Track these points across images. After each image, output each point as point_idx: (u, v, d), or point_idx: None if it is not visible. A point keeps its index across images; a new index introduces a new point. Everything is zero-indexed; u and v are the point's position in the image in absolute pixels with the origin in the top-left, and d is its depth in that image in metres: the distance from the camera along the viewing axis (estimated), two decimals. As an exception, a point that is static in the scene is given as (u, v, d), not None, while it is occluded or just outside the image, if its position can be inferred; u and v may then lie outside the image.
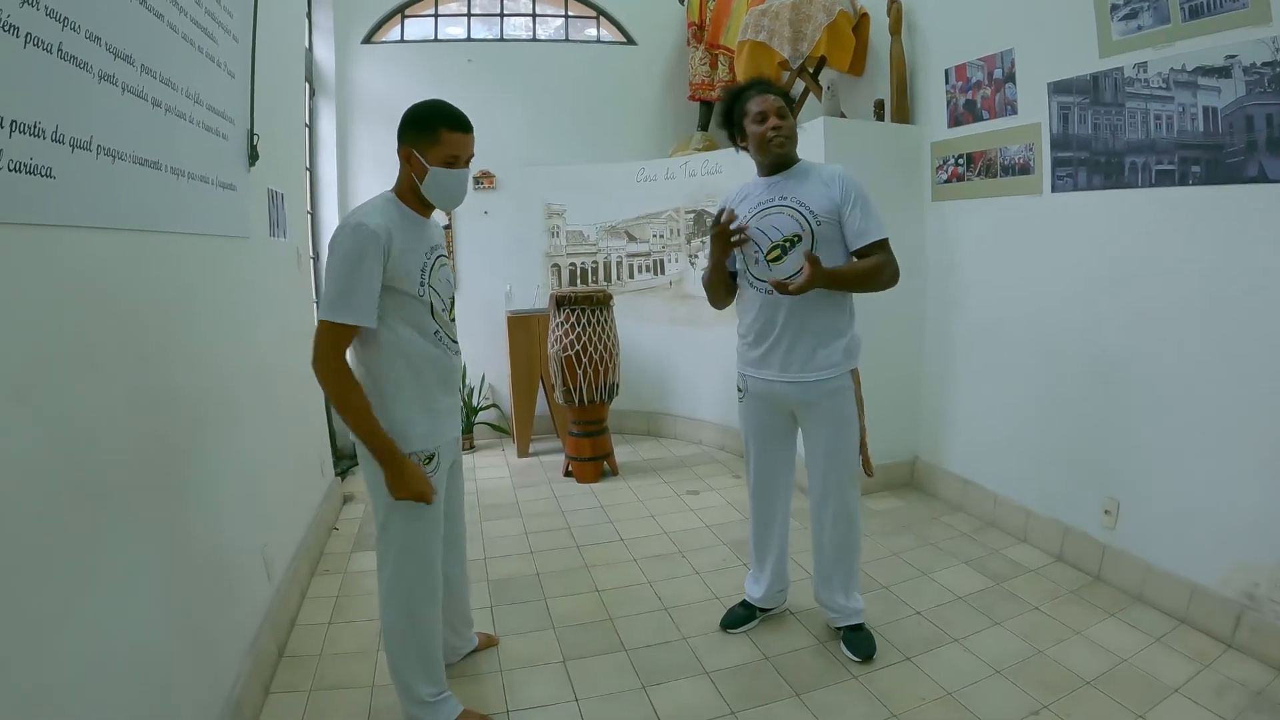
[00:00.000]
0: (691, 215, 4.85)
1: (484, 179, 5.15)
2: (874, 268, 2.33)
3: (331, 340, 1.85)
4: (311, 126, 4.59)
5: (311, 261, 4.05)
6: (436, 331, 2.04)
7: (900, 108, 3.74)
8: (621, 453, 4.96)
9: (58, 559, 1.36)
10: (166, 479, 1.89)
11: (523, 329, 4.85)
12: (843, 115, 4.03)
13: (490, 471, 4.78)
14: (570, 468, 4.60)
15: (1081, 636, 2.56)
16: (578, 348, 4.34)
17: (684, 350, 4.99)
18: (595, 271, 5.24)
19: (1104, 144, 2.67)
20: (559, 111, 5.25)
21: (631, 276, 5.19)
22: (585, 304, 4.37)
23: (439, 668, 2.20)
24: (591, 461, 4.52)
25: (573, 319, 4.37)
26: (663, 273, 5.09)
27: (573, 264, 5.24)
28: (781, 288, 2.23)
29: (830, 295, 2.37)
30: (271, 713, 2.33)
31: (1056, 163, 2.88)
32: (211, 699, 2.04)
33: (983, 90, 3.23)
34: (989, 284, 3.42)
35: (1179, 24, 2.37)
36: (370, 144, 4.87)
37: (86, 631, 1.44)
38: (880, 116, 3.83)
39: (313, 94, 4.54)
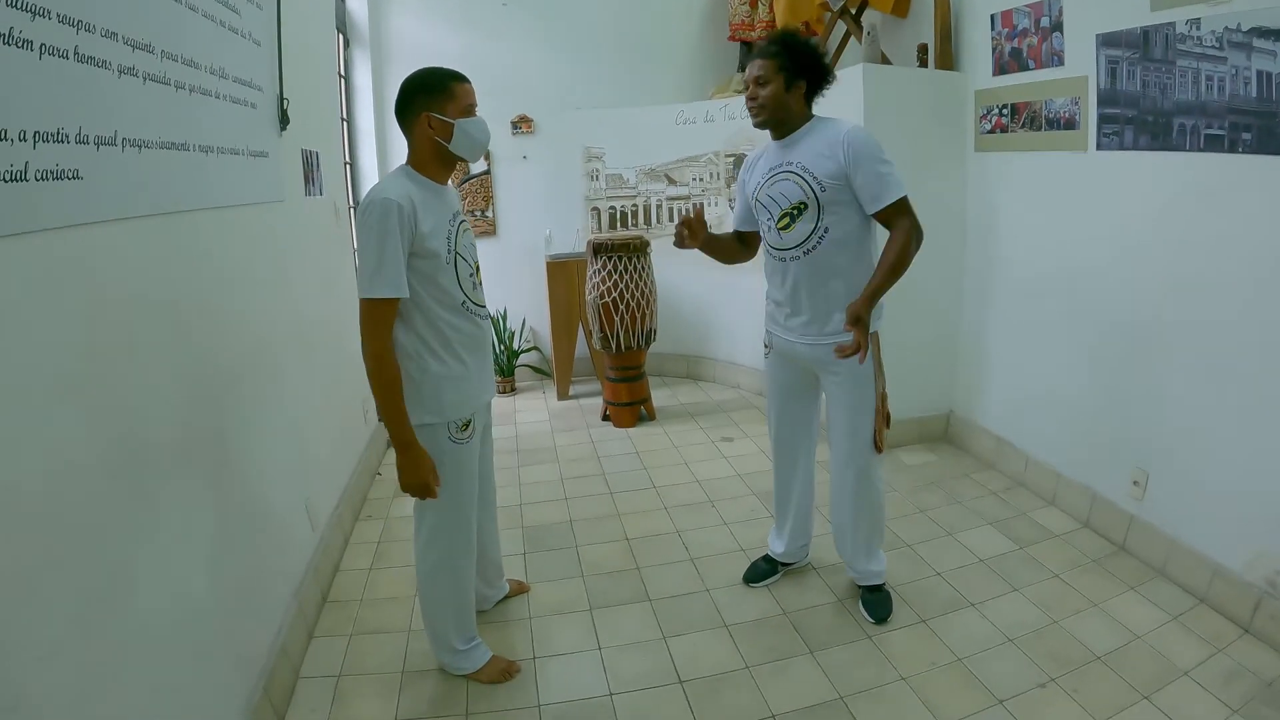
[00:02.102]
0: (731, 159, 4.79)
1: (522, 123, 5.13)
2: (898, 254, 2.22)
3: (376, 317, 1.92)
4: (347, 77, 4.60)
5: (350, 212, 4.12)
6: (464, 302, 2.10)
7: (944, 54, 3.60)
8: (660, 396, 5.03)
9: (112, 532, 1.47)
10: (211, 446, 2.01)
11: (562, 274, 4.89)
12: (885, 59, 3.90)
13: (530, 415, 4.90)
14: (608, 412, 4.68)
15: (1099, 609, 2.56)
16: (615, 294, 4.38)
17: (723, 295, 4.97)
18: (635, 215, 5.23)
19: (1152, 103, 2.54)
20: (596, 53, 5.17)
21: (671, 220, 5.16)
22: (622, 251, 4.38)
23: (471, 619, 2.35)
24: (628, 406, 4.60)
25: (610, 266, 4.39)
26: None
27: (612, 208, 5.23)
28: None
29: (842, 261, 2.36)
30: (314, 656, 2.50)
31: (1103, 119, 2.76)
32: (259, 645, 2.20)
33: (1029, 39, 3.08)
34: (1029, 240, 3.33)
35: (1237, -21, 2.22)
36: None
37: (145, 592, 1.57)
38: (923, 62, 3.69)
39: (347, 44, 4.54)
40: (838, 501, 2.62)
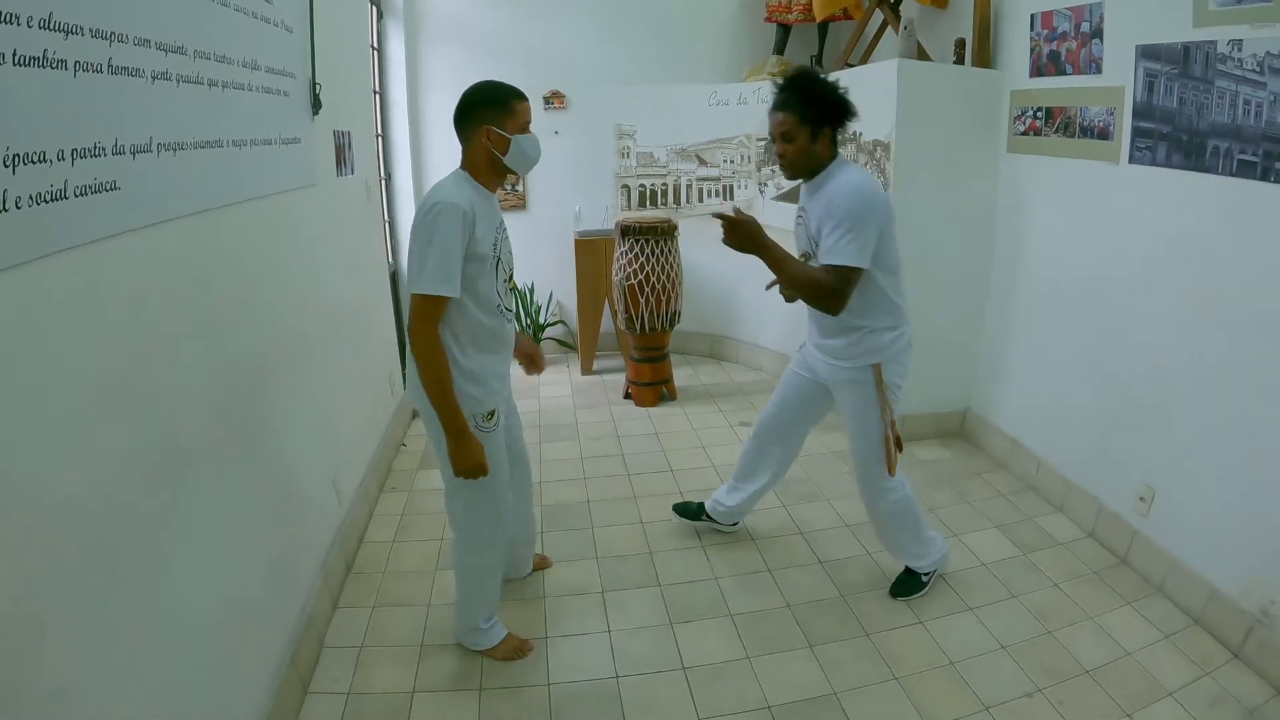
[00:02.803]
0: (763, 143, 4.76)
1: (554, 99, 5.13)
2: (808, 280, 2.27)
3: (428, 312, 2.01)
4: (380, 49, 4.63)
5: (382, 185, 4.18)
6: (499, 305, 2.20)
7: (982, 50, 3.54)
8: (682, 375, 5.07)
9: (151, 522, 1.57)
10: (243, 436, 2.10)
11: (590, 252, 4.92)
12: (923, 51, 3.85)
13: (553, 389, 4.97)
14: (630, 390, 4.75)
15: (1093, 622, 2.59)
16: (641, 277, 4.41)
17: (749, 276, 4.89)
18: (665, 194, 5.23)
19: (1188, 121, 2.49)
20: (631, 31, 5.11)
21: (701, 200, 5.16)
22: (650, 234, 4.41)
23: (496, 600, 2.49)
24: (650, 386, 4.66)
25: (637, 248, 4.42)
26: (732, 198, 5.04)
27: (642, 185, 5.23)
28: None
29: (851, 304, 2.35)
30: (338, 626, 2.63)
31: (1137, 132, 2.71)
32: (287, 616, 2.32)
33: (1068, 42, 3.02)
34: (1055, 246, 3.30)
35: (1282, 3, 2.15)
36: (440, 63, 4.88)
37: (181, 577, 1.68)
38: (960, 58, 3.64)
39: (380, 16, 4.55)
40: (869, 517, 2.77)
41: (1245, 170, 2.31)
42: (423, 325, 2.01)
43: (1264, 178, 2.25)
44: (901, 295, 2.45)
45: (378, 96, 4.51)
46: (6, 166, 1.15)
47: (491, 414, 2.23)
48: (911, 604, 2.70)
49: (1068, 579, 2.83)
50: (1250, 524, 2.37)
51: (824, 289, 2.24)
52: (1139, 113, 2.70)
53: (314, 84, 2.73)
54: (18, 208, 1.17)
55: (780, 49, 4.92)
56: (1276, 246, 2.26)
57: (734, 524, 3.17)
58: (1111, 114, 2.82)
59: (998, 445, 3.78)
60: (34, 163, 1.21)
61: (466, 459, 2.11)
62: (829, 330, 2.49)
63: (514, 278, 2.33)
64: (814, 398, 2.73)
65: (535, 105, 5.01)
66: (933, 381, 3.88)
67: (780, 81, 2.37)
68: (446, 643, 2.54)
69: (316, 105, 2.75)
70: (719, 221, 2.27)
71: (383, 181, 4.22)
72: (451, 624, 2.53)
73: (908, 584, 2.73)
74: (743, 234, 2.27)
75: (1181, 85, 2.50)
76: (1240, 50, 2.28)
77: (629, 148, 5.11)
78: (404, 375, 4.27)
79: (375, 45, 4.51)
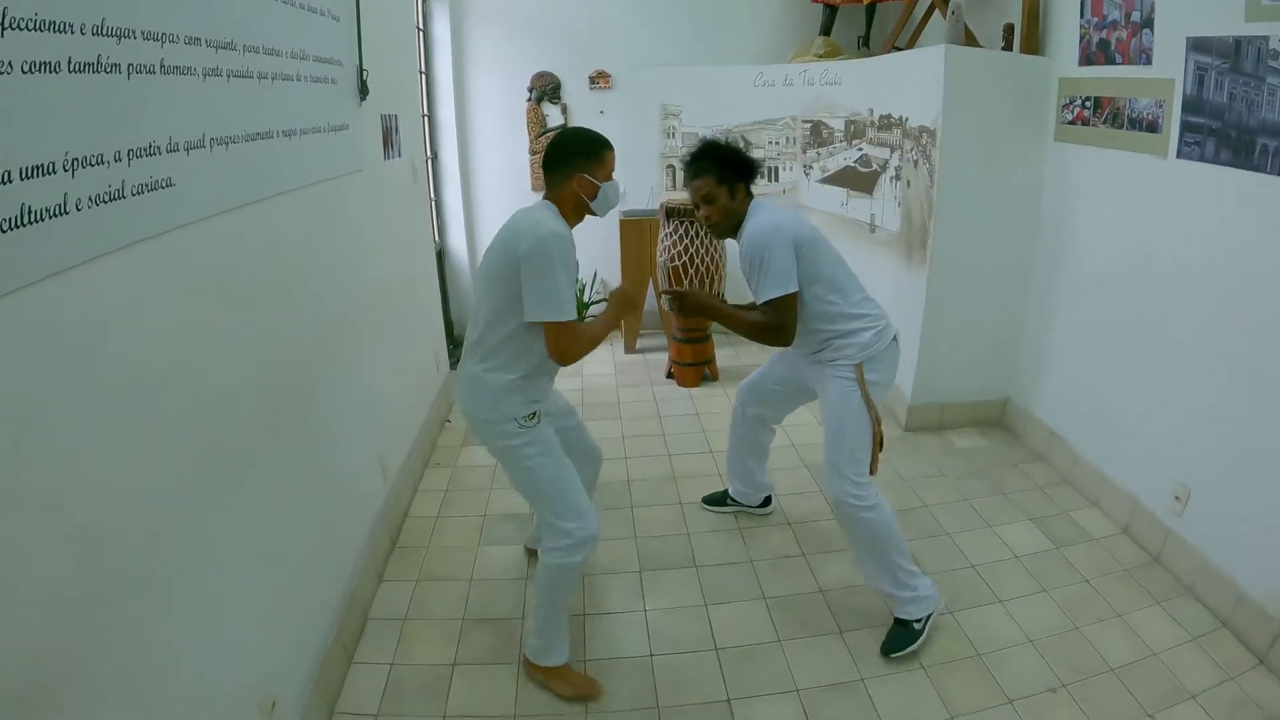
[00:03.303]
0: (808, 125, 4.72)
1: (599, 79, 5.13)
2: (753, 325, 2.47)
3: (569, 333, 2.09)
4: (425, 29, 4.67)
5: (429, 165, 4.24)
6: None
7: (1030, 36, 3.44)
8: (724, 355, 5.08)
9: (205, 502, 1.66)
10: (292, 419, 2.19)
11: (634, 231, 4.94)
12: (971, 35, 3.76)
13: (597, 368, 5.02)
14: (672, 370, 4.78)
15: (1121, 620, 2.57)
16: (685, 258, 4.43)
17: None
18: (709, 174, 5.21)
19: (1237, 117, 2.40)
20: (677, 11, 5.07)
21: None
22: (694, 216, 4.40)
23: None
24: (692, 367, 4.68)
25: (681, 230, 4.43)
26: (777, 180, 5.02)
27: (687, 165, 5.22)
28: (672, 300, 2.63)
29: (802, 325, 2.48)
30: (383, 599, 2.73)
31: (1186, 127, 2.62)
32: (333, 588, 2.43)
33: (1118, 32, 2.92)
34: (1100, 238, 3.22)
35: (1337, 0, 2.06)
36: (486, 42, 4.93)
37: (234, 555, 1.78)
38: (1008, 43, 3.55)
39: (426, -3, 4.61)
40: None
41: None
42: (571, 344, 2.11)
43: None
44: (853, 296, 2.49)
45: (423, 76, 4.57)
46: (67, 170, 1.21)
47: (533, 414, 2.23)
48: (943, 593, 2.64)
49: (1099, 575, 2.80)
50: None
51: (766, 327, 2.42)
52: (1188, 106, 2.62)
53: (361, 70, 2.79)
54: (78, 210, 1.24)
55: (827, 30, 4.85)
56: None
57: (762, 504, 3.23)
58: (1161, 107, 2.74)
59: (1036, 436, 3.74)
60: (92, 165, 1.28)
61: (624, 309, 2.40)
62: (809, 347, 2.56)
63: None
64: (796, 391, 2.85)
65: (581, 86, 5.11)
66: (973, 370, 3.84)
67: (687, 157, 2.57)
68: (487, 617, 2.63)
69: (364, 91, 2.81)
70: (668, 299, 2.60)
71: (429, 161, 4.29)
72: (526, 642, 2.42)
73: (899, 637, 2.44)
74: (691, 303, 2.61)
75: (1232, 80, 2.41)
76: None
77: (674, 128, 5.11)
78: (451, 363, 4.37)
79: (420, 26, 4.56)
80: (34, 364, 1.18)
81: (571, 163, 2.17)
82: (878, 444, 2.47)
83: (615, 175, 2.24)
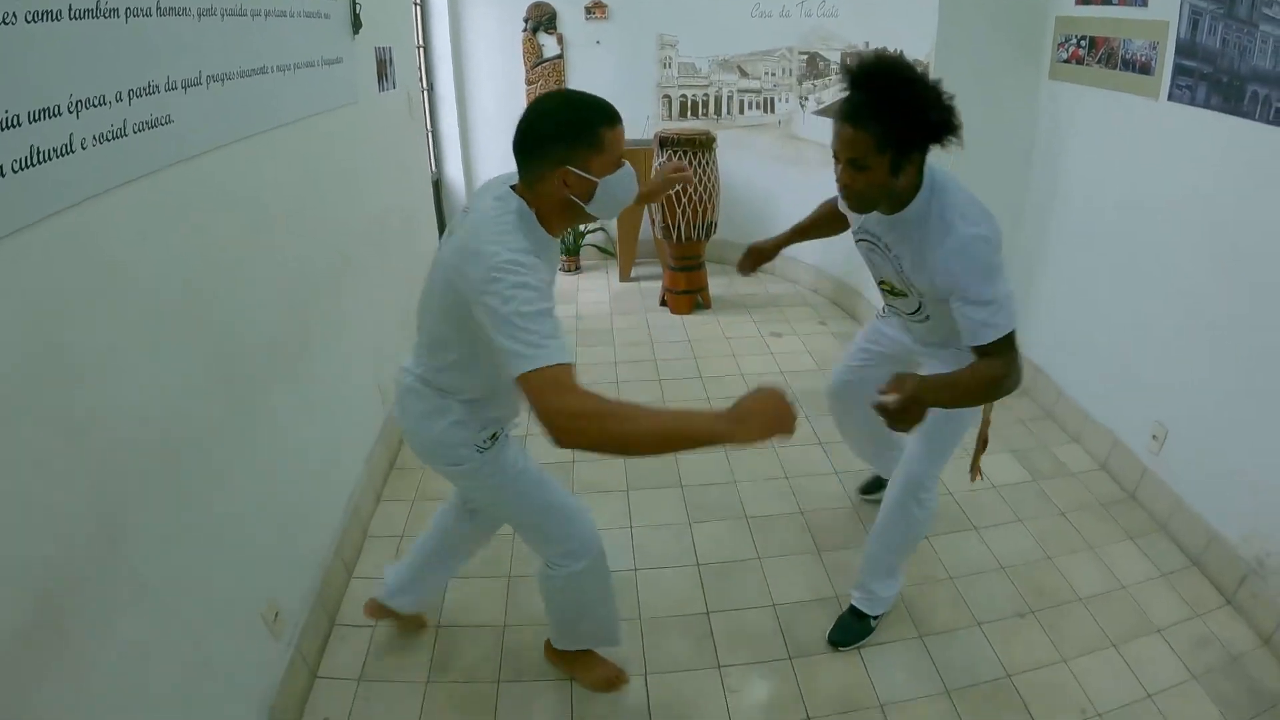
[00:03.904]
0: (805, 57, 4.69)
1: (596, 9, 5.08)
2: (970, 381, 1.76)
3: (566, 383, 1.33)
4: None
5: (425, 95, 4.26)
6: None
7: (1028, -29, 3.42)
8: (717, 284, 5.15)
9: (217, 427, 1.79)
10: (296, 346, 2.31)
11: (630, 161, 4.90)
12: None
13: (592, 295, 5.12)
14: (665, 298, 4.87)
15: (1093, 552, 2.67)
16: (678, 187, 4.46)
17: (788, 189, 4.97)
18: (706, 104, 5.21)
19: (1229, 63, 2.41)
20: (674, -63, 5.02)
21: (742, 112, 5.14)
22: (688, 146, 4.44)
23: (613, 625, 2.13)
24: (686, 295, 4.77)
25: (675, 159, 4.46)
26: (772, 111, 5.02)
27: (684, 95, 5.21)
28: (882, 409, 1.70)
29: (953, 335, 1.87)
30: (381, 517, 2.89)
31: (1178, 70, 2.63)
32: (335, 507, 2.58)
33: None
34: (1090, 177, 3.25)
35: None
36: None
37: (242, 477, 1.92)
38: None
39: (423, -79, 4.54)
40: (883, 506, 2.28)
41: None
42: (571, 401, 1.32)
43: None
44: None
45: (418, 8, 4.54)
46: (71, 111, 1.30)
47: (493, 435, 1.78)
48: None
49: (1075, 509, 2.91)
50: (1258, 475, 2.39)
51: (996, 379, 1.73)
52: (1181, 49, 2.62)
53: (354, 3, 2.81)
54: (83, 148, 1.33)
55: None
56: None
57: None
58: (1154, 48, 2.74)
59: (1024, 372, 3.80)
60: (95, 106, 1.36)
61: (761, 416, 1.39)
62: (939, 336, 2.05)
63: None
64: (898, 360, 2.32)
65: (577, 15, 5.07)
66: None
67: (856, 71, 1.70)
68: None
69: (357, 25, 2.83)
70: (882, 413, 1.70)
71: (425, 92, 4.30)
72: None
73: (856, 629, 2.31)
74: (911, 415, 1.68)
75: (1225, 25, 2.41)
76: None
77: (671, 58, 5.08)
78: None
79: (417, -48, 4.52)
80: (52, 294, 1.28)
81: (552, 150, 1.47)
82: (982, 444, 2.24)
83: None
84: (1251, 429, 2.43)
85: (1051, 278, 3.59)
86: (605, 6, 5.11)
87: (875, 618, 2.32)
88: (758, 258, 2.51)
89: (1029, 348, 3.71)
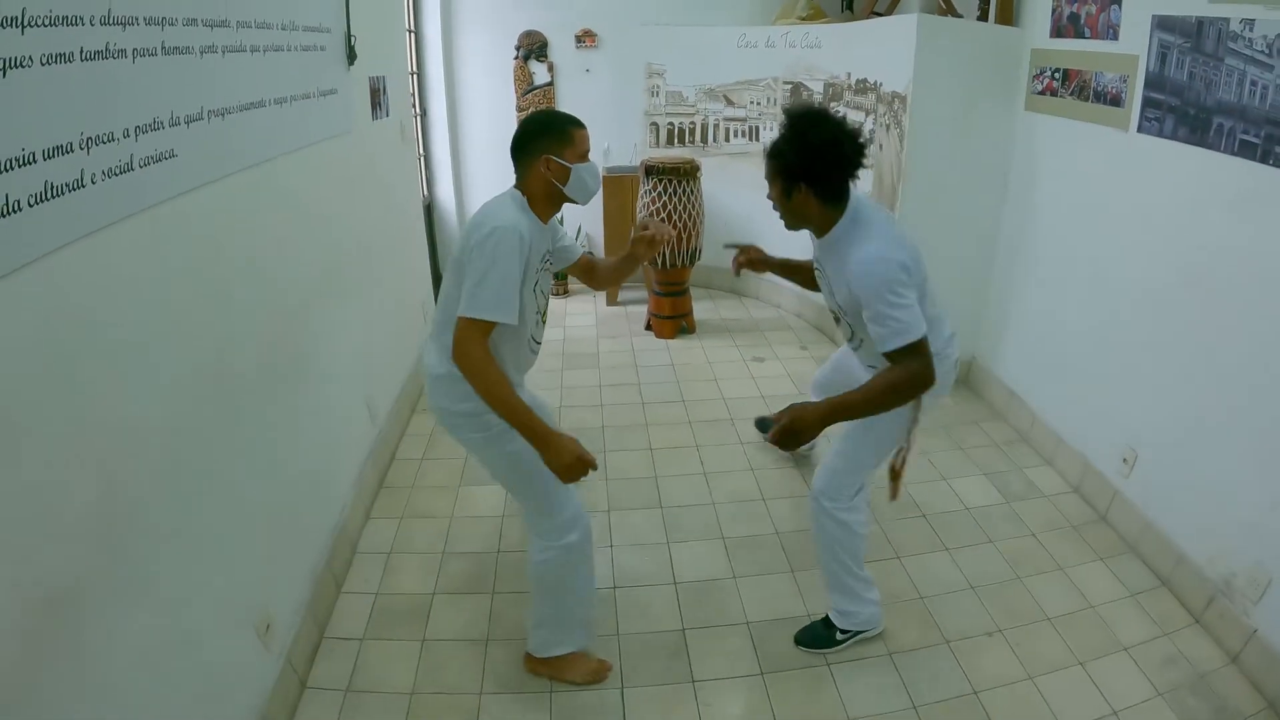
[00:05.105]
0: (789, 86, 4.83)
1: (586, 37, 5.21)
2: (881, 388, 1.93)
3: (476, 335, 1.84)
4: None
5: (417, 121, 4.36)
6: (529, 338, 2.10)
7: (1005, 6, 3.54)
8: (702, 308, 5.26)
9: (212, 443, 1.86)
10: (288, 366, 2.39)
11: (617, 188, 5.08)
12: (950, 2, 3.87)
13: (579, 319, 5.22)
14: (650, 322, 4.97)
15: (1063, 573, 2.73)
16: (664, 215, 4.58)
17: (772, 215, 4.95)
18: (692, 132, 5.34)
19: (1196, 96, 2.52)
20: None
21: (728, 140, 5.26)
22: (673, 174, 4.55)
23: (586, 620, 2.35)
24: (670, 319, 4.87)
25: (660, 187, 4.58)
26: (757, 139, 5.14)
27: (670, 123, 5.34)
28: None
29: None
30: (370, 535, 2.96)
31: (1147, 102, 2.75)
32: (325, 524, 2.65)
33: (1088, 6, 3.02)
34: (1063, 206, 3.36)
35: (1296, -14, 2.15)
36: (472, 3, 5.03)
37: (237, 488, 1.99)
38: (984, 12, 3.65)
39: (418, -47, 4.67)
40: None
41: (1246, 150, 2.35)
42: (472, 346, 1.82)
43: (1263, 160, 2.29)
44: (932, 318, 2.06)
45: (412, 35, 4.65)
46: (83, 149, 1.38)
47: None
48: (891, 540, 2.89)
49: (1046, 530, 2.98)
50: (1222, 497, 2.46)
51: (901, 383, 1.91)
52: (1150, 83, 2.73)
53: (349, 36, 2.91)
54: (94, 183, 1.41)
55: (810, -10, 4.92)
56: (1267, 228, 2.30)
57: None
58: (1124, 81, 2.86)
59: (998, 395, 3.92)
60: (105, 142, 1.44)
61: (562, 459, 1.85)
62: (874, 360, 2.19)
63: (547, 311, 2.22)
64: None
65: (568, 44, 5.20)
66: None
67: (783, 115, 2.08)
68: (466, 550, 2.86)
69: (352, 57, 2.93)
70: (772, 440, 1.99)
71: (418, 118, 4.40)
72: (529, 634, 2.34)
73: (820, 635, 2.42)
74: (798, 432, 1.94)
75: (1193, 60, 2.52)
76: (1252, 30, 2.29)
77: (658, 86, 5.21)
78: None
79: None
80: (63, 315, 1.36)
81: (536, 145, 1.98)
82: (900, 463, 2.28)
83: (593, 155, 2.02)
84: (1219, 453, 2.49)
85: (1026, 303, 3.70)
86: (595, 35, 5.24)
87: (844, 633, 2.41)
88: (752, 264, 2.60)
89: (1004, 372, 3.86)
